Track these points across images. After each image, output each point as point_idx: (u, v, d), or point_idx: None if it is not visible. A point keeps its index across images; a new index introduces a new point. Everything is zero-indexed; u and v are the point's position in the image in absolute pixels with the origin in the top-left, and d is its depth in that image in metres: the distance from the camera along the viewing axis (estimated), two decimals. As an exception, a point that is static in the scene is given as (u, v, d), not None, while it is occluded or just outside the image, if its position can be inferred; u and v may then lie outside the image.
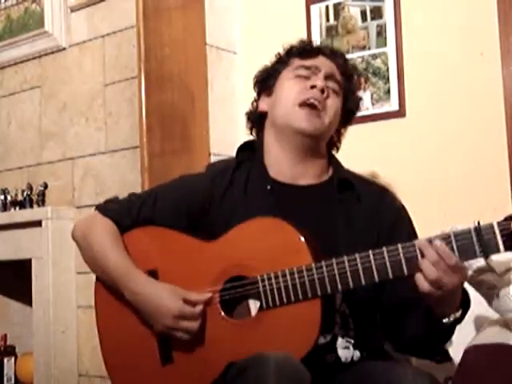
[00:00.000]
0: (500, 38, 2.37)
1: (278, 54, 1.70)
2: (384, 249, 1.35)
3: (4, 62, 3.04)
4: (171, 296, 1.48)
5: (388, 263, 1.34)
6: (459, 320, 1.41)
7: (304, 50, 1.65)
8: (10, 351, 3.02)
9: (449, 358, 1.55)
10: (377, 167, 2.48)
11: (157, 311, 1.48)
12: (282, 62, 1.67)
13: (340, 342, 1.49)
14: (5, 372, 2.97)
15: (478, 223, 1.31)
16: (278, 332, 1.41)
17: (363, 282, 1.36)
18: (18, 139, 3.00)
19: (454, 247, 1.31)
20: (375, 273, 1.35)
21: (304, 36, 2.68)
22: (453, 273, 1.30)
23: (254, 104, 1.71)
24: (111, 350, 1.60)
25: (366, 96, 2.64)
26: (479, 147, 2.40)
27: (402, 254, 1.34)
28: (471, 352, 1.65)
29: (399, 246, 1.34)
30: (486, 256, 1.31)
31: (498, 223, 1.29)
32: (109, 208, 1.65)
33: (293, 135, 1.58)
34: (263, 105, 1.67)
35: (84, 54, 2.80)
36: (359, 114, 2.59)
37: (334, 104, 1.61)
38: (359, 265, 1.36)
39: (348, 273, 1.36)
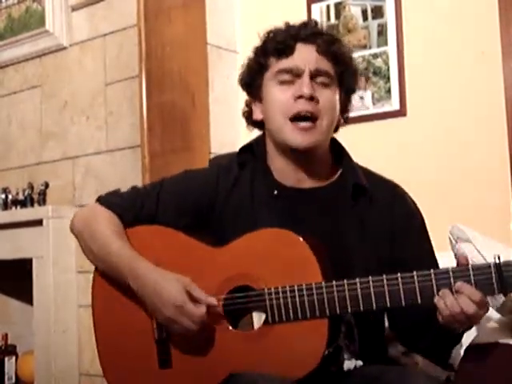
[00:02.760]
0: (501, 36, 2.37)
1: (256, 49, 1.55)
2: (399, 274, 1.31)
3: (5, 61, 3.04)
4: (177, 285, 1.41)
5: (402, 290, 1.30)
6: (468, 329, 1.40)
7: (279, 50, 1.49)
8: (11, 350, 3.02)
9: (449, 368, 1.55)
10: (377, 167, 2.47)
11: (160, 299, 1.42)
12: (260, 63, 1.52)
13: (344, 352, 1.46)
14: (6, 371, 2.97)
15: (498, 258, 1.26)
16: (282, 348, 1.37)
17: (374, 306, 1.32)
18: (19, 138, 3.00)
19: (472, 282, 1.27)
20: (387, 298, 1.31)
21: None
22: (479, 310, 1.28)
23: (248, 108, 1.60)
24: (107, 347, 1.55)
25: (366, 95, 2.64)
26: (480, 146, 2.40)
27: (417, 283, 1.29)
28: (472, 351, 1.64)
29: (415, 273, 1.30)
30: (505, 294, 1.28)
31: None
32: (111, 201, 1.59)
33: (289, 149, 1.50)
34: (257, 112, 1.56)
35: (85, 53, 2.80)
36: (360, 113, 2.63)
37: (327, 99, 1.48)
38: (371, 289, 1.31)
39: (359, 295, 1.32)
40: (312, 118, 1.45)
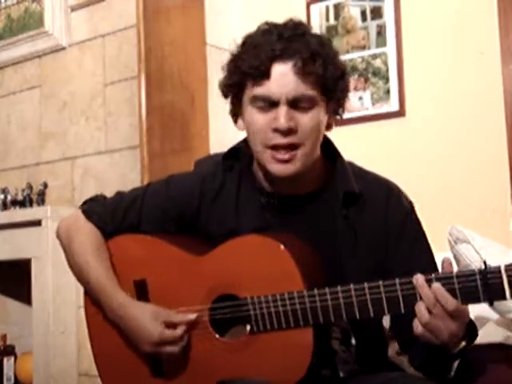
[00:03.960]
0: (500, 37, 2.37)
1: (231, 67, 1.42)
2: (380, 283, 1.27)
3: (4, 61, 3.04)
4: (152, 320, 1.41)
5: (384, 299, 1.27)
6: (464, 349, 1.32)
7: (253, 75, 1.35)
8: (10, 351, 3.02)
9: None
10: (376, 167, 2.48)
11: (138, 335, 1.43)
12: (236, 81, 1.41)
13: (340, 357, 1.44)
14: (4, 372, 2.97)
15: (485, 263, 1.20)
16: (269, 357, 1.36)
17: (358, 315, 1.29)
18: (18, 139, 3.00)
19: (456, 290, 1.20)
20: (370, 307, 1.28)
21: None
22: (451, 319, 1.21)
23: (233, 107, 1.49)
24: (104, 359, 1.57)
25: (365, 96, 2.64)
26: (479, 147, 2.40)
27: (399, 291, 1.25)
28: (471, 352, 1.64)
29: (397, 281, 1.25)
30: (491, 302, 1.20)
31: (506, 266, 1.17)
32: (93, 211, 1.57)
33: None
34: (240, 124, 1.46)
35: (84, 53, 2.80)
36: (359, 114, 2.64)
37: (309, 124, 1.36)
38: (354, 298, 1.28)
39: (342, 305, 1.30)
40: (292, 147, 1.36)
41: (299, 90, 1.34)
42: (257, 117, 1.37)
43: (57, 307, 2.68)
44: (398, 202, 1.48)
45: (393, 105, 2.58)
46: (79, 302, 2.71)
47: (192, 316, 1.41)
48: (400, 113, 2.57)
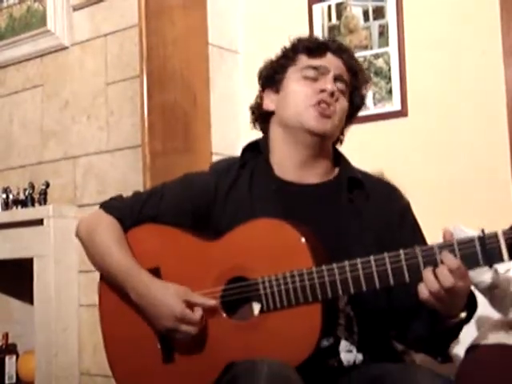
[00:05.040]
0: (502, 36, 2.37)
1: (284, 48, 1.65)
2: (386, 254, 1.34)
3: (6, 60, 3.05)
4: (174, 297, 1.47)
5: (389, 270, 1.33)
6: (465, 321, 1.40)
7: (311, 48, 1.60)
8: (12, 349, 3.02)
9: (450, 360, 1.55)
10: (378, 167, 2.48)
11: (159, 312, 1.48)
12: (288, 58, 1.62)
13: (343, 344, 1.48)
14: (6, 370, 2.97)
15: (483, 231, 1.29)
16: (279, 335, 1.40)
17: (364, 287, 1.35)
18: (20, 138, 3.01)
19: (457, 256, 1.29)
20: (376, 279, 1.34)
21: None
22: (459, 279, 1.29)
23: (258, 99, 1.68)
24: (114, 347, 1.61)
25: (368, 96, 2.64)
26: (481, 147, 2.40)
27: (403, 261, 1.32)
28: (472, 352, 1.65)
29: (401, 251, 1.33)
30: (490, 265, 1.29)
31: (503, 232, 1.27)
32: (113, 206, 1.66)
33: (303, 134, 1.56)
34: (269, 102, 1.63)
35: (86, 52, 2.80)
36: (361, 113, 2.63)
37: (342, 105, 1.59)
38: (360, 270, 1.34)
39: (349, 278, 1.35)
40: (330, 108, 1.56)
41: (343, 74, 1.61)
42: (304, 83, 1.58)
43: (59, 306, 2.68)
44: (398, 197, 1.64)
45: (395, 104, 2.58)
46: (81, 300, 2.73)
47: (212, 302, 1.46)
48: (402, 113, 2.56)
